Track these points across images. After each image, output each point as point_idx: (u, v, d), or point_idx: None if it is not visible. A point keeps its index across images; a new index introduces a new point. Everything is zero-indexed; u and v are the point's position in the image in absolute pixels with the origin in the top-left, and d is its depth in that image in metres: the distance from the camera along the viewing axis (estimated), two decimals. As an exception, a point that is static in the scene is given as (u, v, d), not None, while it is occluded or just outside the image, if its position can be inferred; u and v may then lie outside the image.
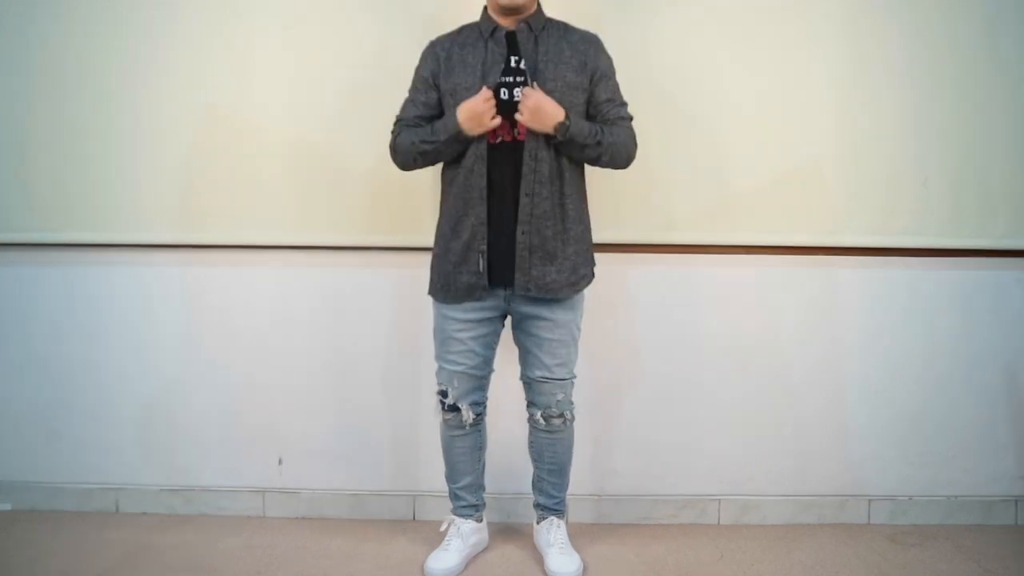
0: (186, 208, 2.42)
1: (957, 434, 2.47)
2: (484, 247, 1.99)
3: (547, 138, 1.95)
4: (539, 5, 2.05)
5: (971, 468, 2.48)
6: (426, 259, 2.13)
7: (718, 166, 2.37)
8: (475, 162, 1.97)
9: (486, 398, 2.19)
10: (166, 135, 2.40)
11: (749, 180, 2.38)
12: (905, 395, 2.46)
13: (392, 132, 2.08)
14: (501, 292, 2.05)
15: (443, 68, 2.02)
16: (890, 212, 2.39)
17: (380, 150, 2.17)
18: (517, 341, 2.13)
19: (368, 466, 2.50)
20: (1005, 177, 2.37)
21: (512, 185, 1.97)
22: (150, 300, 2.48)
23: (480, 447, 2.22)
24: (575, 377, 2.14)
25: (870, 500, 2.48)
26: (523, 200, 1.96)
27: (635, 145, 2.07)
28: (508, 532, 2.40)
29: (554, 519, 2.22)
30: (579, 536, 2.32)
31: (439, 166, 2.11)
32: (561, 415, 2.13)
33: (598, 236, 2.17)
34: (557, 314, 2.06)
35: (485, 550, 2.28)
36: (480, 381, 2.14)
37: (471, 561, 2.22)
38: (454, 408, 2.13)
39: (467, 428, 2.16)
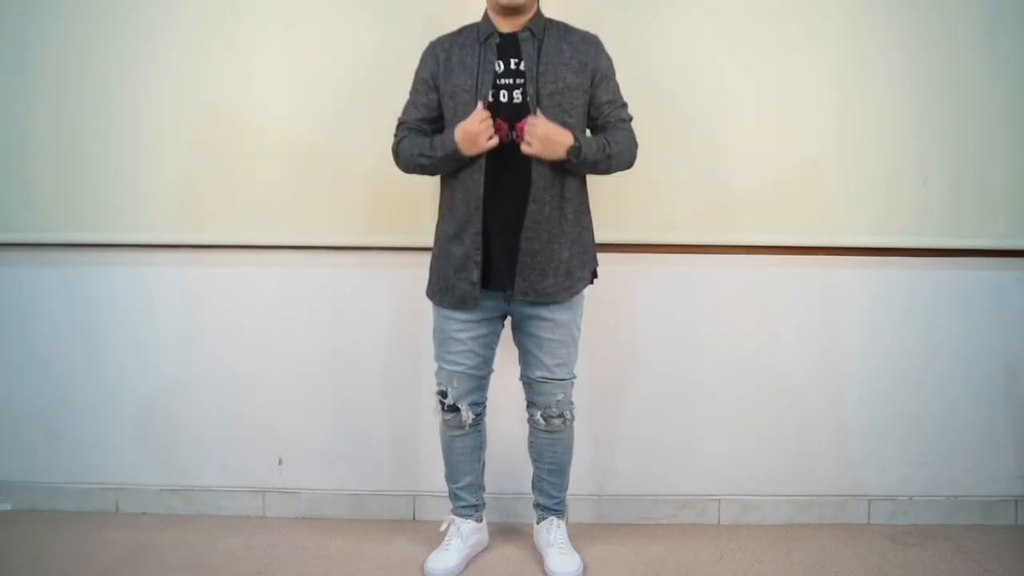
0: (186, 208, 2.42)
1: (957, 434, 2.47)
2: (479, 258, 1.99)
3: (560, 162, 1.94)
4: (539, 6, 2.05)
5: (971, 468, 2.48)
6: (426, 259, 2.13)
7: (718, 166, 2.37)
8: (475, 167, 1.96)
9: (486, 398, 2.19)
10: (166, 135, 2.40)
11: (749, 180, 2.38)
12: (905, 395, 2.46)
13: (395, 135, 2.08)
14: (501, 293, 2.05)
15: (442, 69, 2.02)
16: (890, 212, 2.39)
17: (380, 150, 2.18)
18: (517, 341, 2.13)
19: (368, 466, 2.50)
20: (1005, 177, 2.37)
21: (513, 187, 1.97)
22: (150, 300, 2.48)
23: (480, 447, 2.22)
24: (575, 377, 2.14)
25: (870, 500, 2.48)
26: (531, 207, 1.96)
27: (636, 146, 2.07)
28: (508, 532, 2.40)
29: (554, 519, 2.22)
30: (579, 536, 2.32)
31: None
32: (561, 415, 2.13)
33: (598, 236, 2.17)
34: (557, 314, 2.06)
35: (485, 550, 2.28)
36: (480, 381, 2.14)
37: (471, 561, 2.22)
38: (454, 408, 2.13)
39: (467, 428, 2.16)
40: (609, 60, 2.06)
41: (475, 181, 1.96)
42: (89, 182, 2.41)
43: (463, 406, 2.12)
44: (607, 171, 2.03)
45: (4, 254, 2.48)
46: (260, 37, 2.37)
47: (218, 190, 2.41)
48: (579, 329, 2.13)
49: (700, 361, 2.45)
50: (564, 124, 1.96)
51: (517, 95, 1.96)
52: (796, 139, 2.37)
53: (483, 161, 1.96)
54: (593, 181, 2.14)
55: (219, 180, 2.40)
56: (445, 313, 2.08)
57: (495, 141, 1.92)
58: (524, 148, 1.91)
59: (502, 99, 1.96)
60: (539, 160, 1.94)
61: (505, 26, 2.00)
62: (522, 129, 1.94)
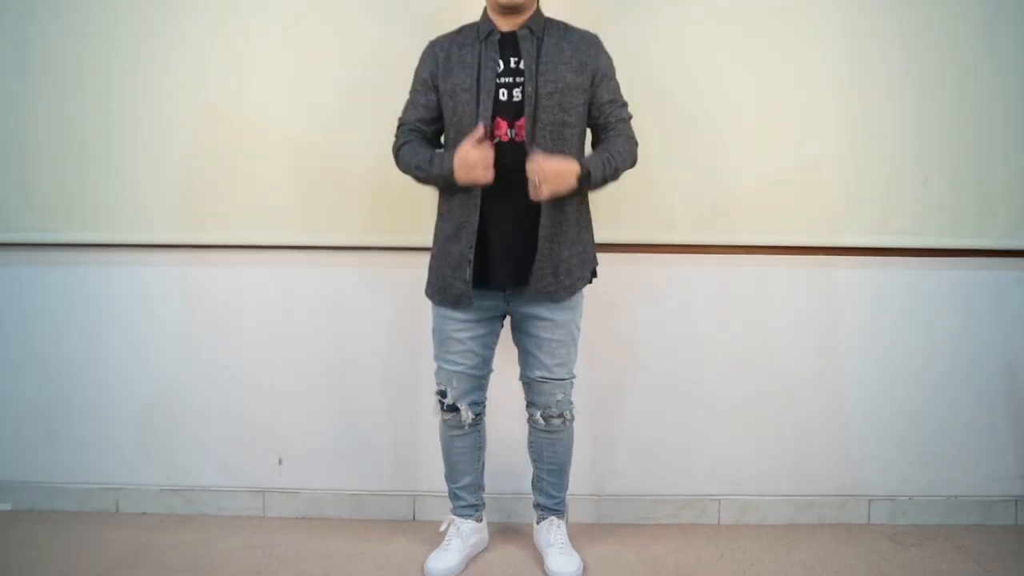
0: (186, 208, 2.42)
1: (957, 434, 2.47)
2: (471, 256, 1.98)
3: (552, 144, 1.94)
4: (538, 5, 2.05)
5: (971, 468, 2.48)
6: (426, 259, 2.13)
7: (718, 166, 2.37)
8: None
9: (485, 398, 2.18)
10: (166, 135, 2.40)
11: (749, 180, 2.38)
12: (905, 395, 2.46)
13: (396, 136, 2.08)
14: (500, 293, 2.05)
15: (442, 68, 2.01)
16: (890, 212, 2.39)
17: (380, 150, 2.17)
18: (516, 341, 2.13)
19: (368, 466, 2.50)
20: (1005, 177, 2.37)
21: (513, 187, 1.96)
22: (150, 300, 2.48)
23: (479, 447, 2.22)
24: (574, 377, 2.14)
25: (870, 500, 2.48)
26: (544, 209, 1.96)
27: (636, 145, 2.07)
28: (508, 532, 2.40)
29: (554, 519, 2.22)
30: (579, 536, 2.32)
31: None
32: (561, 415, 2.13)
33: (598, 236, 2.17)
34: (556, 314, 2.06)
35: (485, 550, 2.28)
36: (479, 381, 2.14)
37: (471, 561, 2.22)
38: (453, 408, 2.13)
39: (466, 428, 2.16)
40: (609, 59, 2.06)
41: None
42: (89, 182, 2.41)
43: (462, 406, 2.12)
44: (615, 180, 2.03)
45: (4, 254, 2.48)
46: (260, 37, 2.37)
47: (218, 190, 2.41)
48: (578, 329, 2.13)
49: (700, 361, 2.45)
50: (564, 123, 1.97)
51: (516, 93, 1.96)
52: (796, 139, 2.37)
53: None
54: (593, 181, 2.14)
55: (219, 180, 2.40)
56: (444, 313, 2.08)
57: (490, 178, 1.90)
58: (538, 195, 1.89)
59: (501, 97, 1.96)
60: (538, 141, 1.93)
61: (505, 25, 2.00)
62: (522, 128, 1.94)
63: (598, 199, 2.19)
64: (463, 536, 2.20)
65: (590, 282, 2.13)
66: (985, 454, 2.48)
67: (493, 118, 1.95)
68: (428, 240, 2.13)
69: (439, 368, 2.13)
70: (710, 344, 2.45)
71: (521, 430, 2.25)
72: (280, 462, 2.52)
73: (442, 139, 2.10)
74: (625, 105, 2.08)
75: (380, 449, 2.50)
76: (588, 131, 2.08)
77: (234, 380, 2.49)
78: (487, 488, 2.30)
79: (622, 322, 2.44)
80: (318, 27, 2.36)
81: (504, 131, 1.96)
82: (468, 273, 1.99)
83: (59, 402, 2.52)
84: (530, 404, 2.16)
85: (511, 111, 1.96)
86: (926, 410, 2.47)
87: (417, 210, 2.36)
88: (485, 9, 2.05)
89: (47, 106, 2.40)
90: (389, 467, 2.51)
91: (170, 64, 2.38)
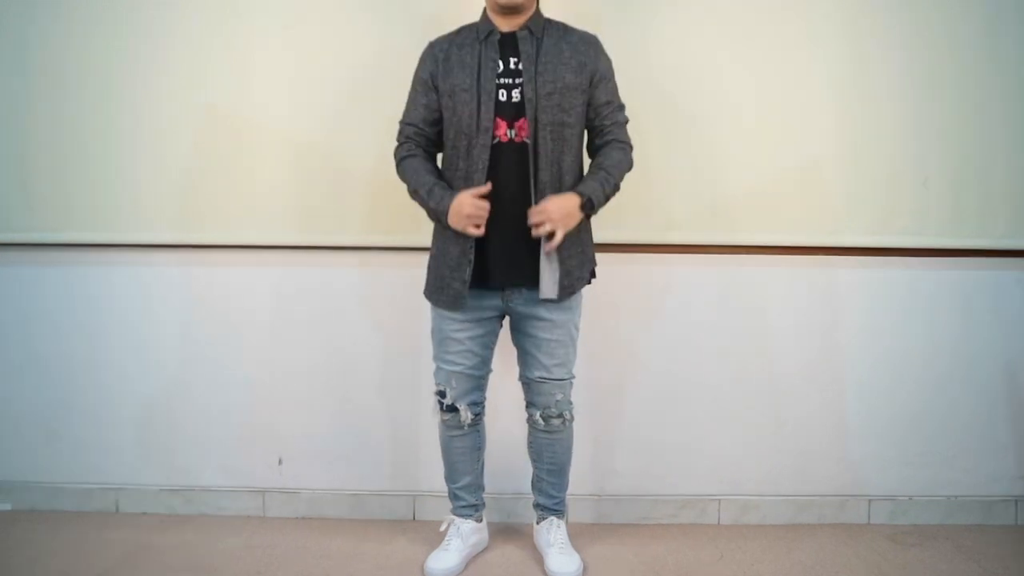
0: (186, 208, 2.42)
1: (957, 434, 2.47)
2: (471, 257, 1.99)
3: (552, 145, 1.95)
4: (538, 5, 2.05)
5: (971, 468, 2.48)
6: (426, 259, 2.13)
7: (718, 166, 2.37)
8: (477, 168, 1.96)
9: (484, 398, 2.19)
10: (166, 135, 2.40)
11: (749, 180, 2.38)
12: (905, 395, 2.46)
13: (398, 140, 2.08)
14: (499, 293, 2.05)
15: (441, 69, 2.01)
16: (890, 212, 2.39)
17: (380, 150, 2.18)
18: (516, 342, 2.13)
19: (368, 466, 2.50)
20: (1005, 177, 2.37)
21: (513, 188, 1.97)
22: (150, 300, 2.48)
23: (479, 447, 2.22)
24: (574, 377, 2.14)
25: (870, 500, 2.48)
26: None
27: (631, 149, 2.07)
28: (508, 532, 2.40)
29: (554, 519, 2.22)
30: (579, 536, 2.32)
31: (440, 164, 2.10)
32: (560, 415, 2.13)
33: (598, 236, 2.17)
34: (555, 314, 2.05)
35: (485, 550, 2.28)
36: (478, 381, 2.14)
37: (471, 561, 2.22)
38: (452, 408, 2.13)
39: (465, 428, 2.16)
40: (608, 61, 2.06)
41: (477, 182, 1.96)
42: (89, 182, 2.41)
43: (462, 406, 2.12)
44: (617, 192, 2.04)
45: (4, 254, 2.48)
46: (260, 37, 2.37)
47: (218, 190, 2.41)
48: (577, 329, 2.13)
49: (700, 361, 2.45)
50: (563, 124, 1.97)
51: (516, 94, 1.96)
52: (796, 139, 2.37)
53: (485, 162, 1.95)
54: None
55: (219, 180, 2.40)
56: (443, 313, 2.08)
57: (480, 232, 1.92)
58: (552, 246, 1.91)
59: (500, 98, 1.96)
60: (541, 141, 1.95)
61: (504, 25, 2.00)
62: (522, 129, 1.94)
63: (598, 199, 2.19)
64: (463, 536, 2.20)
65: (589, 282, 2.12)
66: (985, 454, 2.48)
67: (492, 118, 1.95)
68: (427, 240, 2.13)
69: (438, 368, 2.13)
70: (710, 344, 2.45)
71: (521, 430, 2.25)
72: (280, 462, 2.52)
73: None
74: (622, 108, 2.07)
75: (380, 449, 2.50)
76: (585, 132, 2.08)
77: (234, 380, 2.49)
78: (487, 488, 2.30)
79: (622, 322, 2.44)
80: (318, 27, 2.36)
81: (504, 131, 1.96)
82: (467, 273, 1.99)
83: (59, 402, 2.52)
84: (529, 404, 2.16)
85: (510, 112, 1.96)
86: (926, 410, 2.47)
87: (417, 210, 2.33)
88: (484, 9, 2.05)
89: (47, 106, 2.40)
90: (389, 467, 2.51)
91: (170, 64, 2.38)
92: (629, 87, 2.10)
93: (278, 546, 2.31)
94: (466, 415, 2.13)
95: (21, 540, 2.33)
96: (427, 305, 2.13)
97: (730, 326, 2.44)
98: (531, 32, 1.99)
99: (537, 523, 2.26)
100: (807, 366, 2.45)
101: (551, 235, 1.91)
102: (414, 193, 2.04)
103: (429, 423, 2.30)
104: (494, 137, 1.96)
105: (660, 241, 2.40)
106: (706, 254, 2.41)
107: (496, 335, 2.14)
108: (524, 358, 2.13)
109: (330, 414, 2.49)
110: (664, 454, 2.48)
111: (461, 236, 1.98)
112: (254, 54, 2.37)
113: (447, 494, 2.26)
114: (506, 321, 2.13)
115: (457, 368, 2.10)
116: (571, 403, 2.15)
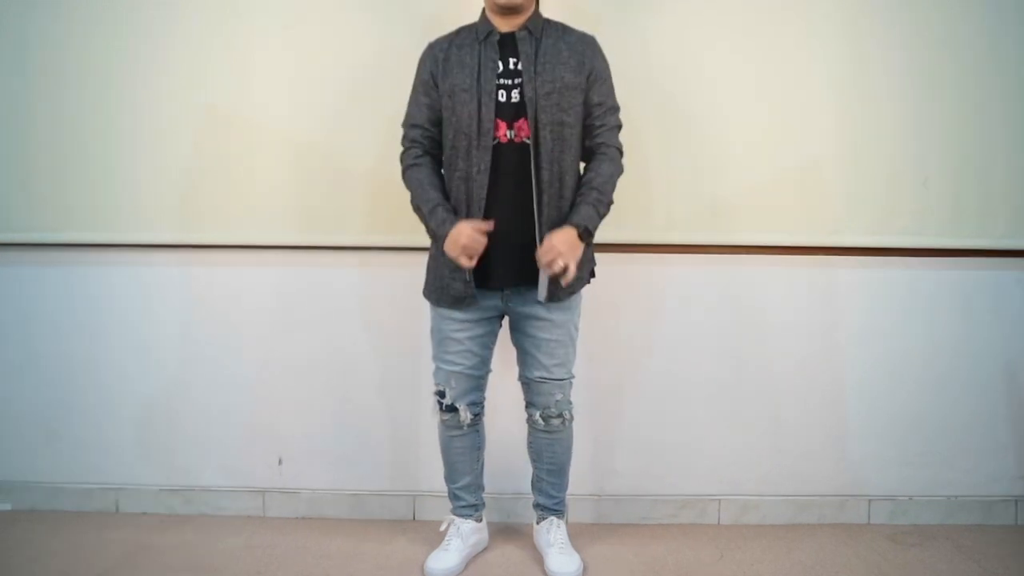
0: (186, 208, 2.42)
1: (957, 434, 2.47)
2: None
3: (553, 144, 1.96)
4: (537, 5, 2.05)
5: (971, 468, 2.48)
6: (426, 259, 2.13)
7: (718, 166, 2.37)
8: (478, 169, 1.96)
9: (484, 398, 2.19)
10: (166, 135, 2.40)
11: (749, 180, 2.38)
12: (905, 395, 2.46)
13: (403, 143, 2.07)
14: (498, 292, 2.05)
15: (441, 69, 2.01)
16: (890, 212, 2.39)
17: (380, 150, 2.18)
18: (515, 342, 2.13)
19: (368, 466, 2.50)
20: (1005, 177, 2.37)
21: (513, 188, 1.97)
22: (150, 300, 2.48)
23: (478, 447, 2.22)
24: (574, 377, 2.14)
25: (870, 500, 2.48)
26: (543, 210, 1.97)
27: (621, 154, 2.06)
28: (508, 532, 2.40)
29: (554, 519, 2.22)
30: (579, 536, 2.32)
31: (439, 164, 2.10)
32: (560, 415, 2.13)
33: (598, 236, 2.16)
34: (555, 314, 2.05)
35: (485, 550, 2.28)
36: (478, 381, 2.14)
37: (471, 561, 2.22)
38: (452, 408, 2.13)
39: (465, 428, 2.16)
40: (605, 62, 2.05)
41: (479, 183, 1.96)
42: (89, 182, 2.41)
43: (461, 406, 2.12)
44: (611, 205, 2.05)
45: (4, 254, 2.48)
46: (260, 37, 2.37)
47: (218, 190, 2.41)
48: (577, 329, 2.13)
49: (700, 361, 2.45)
50: (563, 123, 1.97)
51: (515, 95, 1.96)
52: (796, 139, 2.37)
53: (487, 163, 1.95)
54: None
55: (219, 180, 2.40)
56: (442, 313, 2.08)
57: (472, 264, 1.93)
58: (568, 280, 1.92)
59: (500, 98, 1.96)
60: (542, 142, 1.95)
61: (503, 26, 2.00)
62: (521, 129, 1.95)
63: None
64: (463, 536, 2.20)
65: (588, 283, 2.12)
66: (985, 454, 2.47)
67: (493, 119, 1.95)
68: (428, 240, 2.13)
69: (437, 368, 2.13)
70: (710, 344, 2.45)
71: (520, 430, 2.25)
72: (280, 462, 2.52)
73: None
74: (615, 111, 2.06)
75: (380, 449, 2.50)
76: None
77: (234, 380, 2.49)
78: (487, 488, 2.30)
79: (622, 322, 2.44)
80: (318, 27, 2.36)
81: (503, 132, 1.96)
82: (468, 273, 1.99)
83: (59, 402, 2.52)
84: (529, 404, 2.16)
85: (510, 112, 1.96)
86: (926, 410, 2.47)
87: (417, 210, 2.36)
88: (483, 10, 2.05)
89: (47, 106, 2.40)
90: (389, 467, 2.51)
91: (170, 64, 2.38)
92: (628, 87, 2.10)
93: (278, 546, 2.31)
94: (465, 415, 2.13)
95: (21, 540, 2.33)
96: (427, 305, 2.13)
97: (730, 326, 2.44)
98: (530, 32, 1.99)
99: (537, 523, 2.26)
100: (807, 366, 2.45)
101: (564, 270, 1.91)
102: (416, 208, 2.04)
103: (429, 423, 2.30)
104: (494, 138, 1.96)
105: (660, 241, 2.40)
106: (706, 254, 2.41)
107: (495, 335, 2.14)
108: (524, 358, 2.13)
109: (330, 414, 2.49)
110: (664, 454, 2.48)
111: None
112: (254, 54, 2.37)
113: (447, 494, 2.26)
114: (506, 321, 2.14)
115: (457, 368, 2.10)
116: (571, 403, 2.15)
